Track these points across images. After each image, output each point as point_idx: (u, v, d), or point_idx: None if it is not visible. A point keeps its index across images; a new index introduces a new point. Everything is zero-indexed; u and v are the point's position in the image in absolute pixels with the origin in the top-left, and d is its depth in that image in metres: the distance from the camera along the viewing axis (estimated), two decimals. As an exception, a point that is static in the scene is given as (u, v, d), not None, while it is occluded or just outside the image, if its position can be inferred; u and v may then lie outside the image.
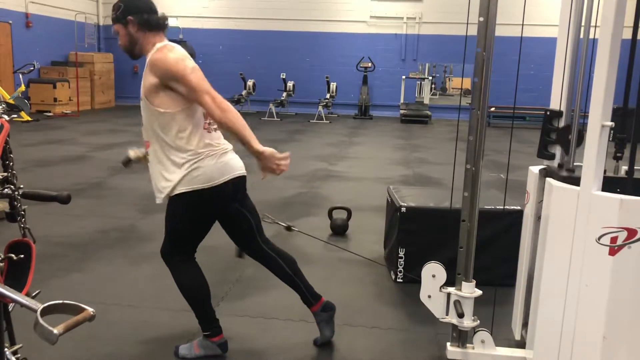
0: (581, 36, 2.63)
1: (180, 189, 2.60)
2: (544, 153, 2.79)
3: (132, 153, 2.94)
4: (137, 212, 5.55)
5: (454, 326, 2.82)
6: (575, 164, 2.64)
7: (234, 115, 2.51)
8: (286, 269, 2.90)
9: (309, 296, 2.94)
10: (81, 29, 15.85)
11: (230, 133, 2.56)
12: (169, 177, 2.62)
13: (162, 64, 2.51)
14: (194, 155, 2.58)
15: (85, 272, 3.98)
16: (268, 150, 2.58)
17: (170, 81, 2.51)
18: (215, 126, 2.70)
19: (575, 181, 2.42)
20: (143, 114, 2.65)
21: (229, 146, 2.75)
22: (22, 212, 1.86)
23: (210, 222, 2.75)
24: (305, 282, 2.94)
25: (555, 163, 2.75)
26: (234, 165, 2.69)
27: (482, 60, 2.58)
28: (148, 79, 2.55)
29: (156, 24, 2.62)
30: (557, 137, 2.72)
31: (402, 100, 16.05)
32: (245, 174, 2.77)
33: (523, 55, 14.51)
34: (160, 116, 2.56)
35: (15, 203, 1.84)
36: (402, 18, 16.41)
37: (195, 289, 2.78)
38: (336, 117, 15.89)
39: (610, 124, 2.28)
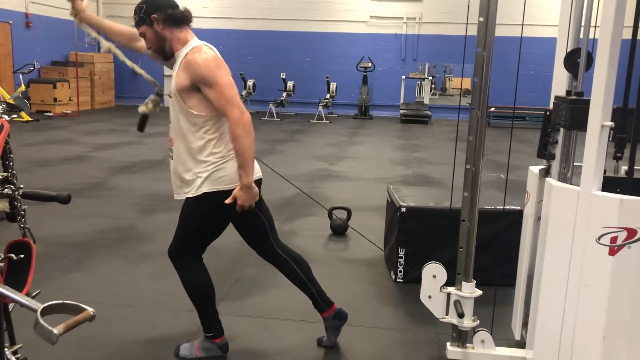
0: (581, 36, 2.63)
1: (204, 189, 2.58)
2: (544, 153, 2.78)
3: (143, 108, 2.85)
4: (137, 212, 5.55)
5: (454, 326, 2.82)
6: (575, 164, 2.64)
7: (251, 141, 2.49)
8: (299, 273, 2.88)
9: (321, 302, 2.92)
10: (81, 29, 15.84)
11: (237, 153, 2.53)
12: (192, 177, 2.59)
13: (197, 67, 2.46)
14: (219, 158, 2.57)
15: (85, 272, 3.98)
16: (255, 188, 2.58)
17: (202, 85, 2.47)
18: None
19: (585, 104, 2.39)
20: (172, 112, 2.61)
21: None
22: (22, 212, 1.87)
23: (226, 223, 2.74)
24: (317, 287, 2.92)
25: (563, 89, 2.69)
26: (255, 168, 2.68)
27: (482, 60, 2.58)
28: (181, 78, 2.50)
29: (182, 18, 2.57)
30: (565, 61, 2.66)
31: (402, 100, 16.05)
32: (262, 177, 2.77)
33: (523, 55, 14.50)
34: (192, 117, 2.53)
35: (15, 203, 1.84)
36: (402, 18, 16.41)
37: (201, 289, 2.77)
38: (336, 117, 15.89)
39: (610, 124, 2.28)
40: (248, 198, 2.56)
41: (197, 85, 2.48)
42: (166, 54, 2.62)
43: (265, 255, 2.90)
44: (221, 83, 2.46)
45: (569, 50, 2.67)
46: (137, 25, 2.59)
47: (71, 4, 2.91)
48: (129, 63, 2.98)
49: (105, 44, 2.96)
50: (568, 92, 2.67)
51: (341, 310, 2.97)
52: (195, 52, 2.51)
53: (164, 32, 2.55)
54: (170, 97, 2.61)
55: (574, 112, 2.49)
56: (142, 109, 2.84)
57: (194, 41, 2.59)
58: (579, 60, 2.59)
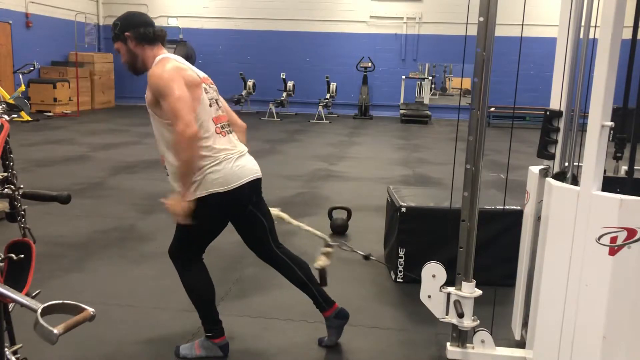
0: (581, 36, 2.63)
1: (197, 194, 2.58)
2: (544, 153, 2.78)
3: (319, 263, 3.04)
4: (137, 212, 5.55)
5: (454, 326, 2.82)
6: (575, 164, 2.64)
7: (188, 156, 2.47)
8: (299, 274, 2.88)
9: (322, 301, 2.92)
10: (81, 29, 15.84)
11: (177, 167, 2.55)
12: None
13: (154, 79, 2.53)
14: (209, 160, 2.57)
15: (85, 272, 3.98)
16: (188, 205, 2.56)
17: (158, 96, 2.52)
18: (229, 129, 2.71)
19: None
20: (153, 126, 2.67)
21: (244, 148, 2.75)
22: (22, 212, 1.87)
23: (224, 224, 2.75)
24: (318, 287, 2.93)
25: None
26: (251, 167, 2.69)
27: (482, 60, 2.58)
28: (148, 93, 2.58)
29: (153, 37, 2.64)
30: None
31: (402, 100, 16.05)
32: (261, 176, 2.77)
33: (523, 55, 14.51)
34: (167, 127, 2.56)
35: (15, 203, 1.84)
36: (402, 18, 16.41)
37: (201, 289, 2.78)
38: (336, 117, 15.89)
39: (610, 124, 2.28)
40: (175, 208, 2.57)
41: (157, 97, 2.53)
42: (137, 70, 2.70)
43: (264, 256, 2.90)
44: (170, 94, 2.47)
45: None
46: (113, 40, 2.70)
47: None
48: (295, 223, 3.14)
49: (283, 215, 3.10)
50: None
51: (343, 310, 2.97)
52: (156, 64, 2.58)
53: (136, 49, 2.64)
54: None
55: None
56: (318, 264, 2.99)
57: (161, 55, 2.64)
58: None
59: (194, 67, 2.71)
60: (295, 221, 3.15)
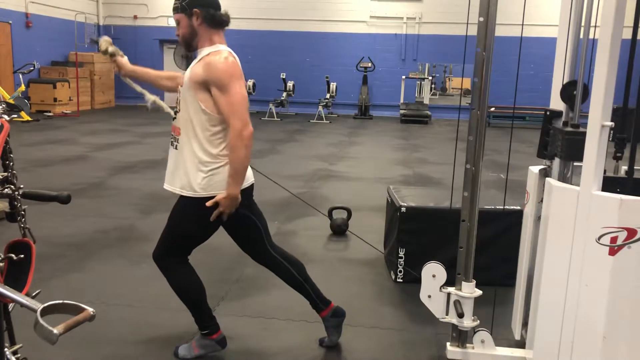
0: (581, 36, 2.63)
1: (200, 193, 2.56)
2: (544, 153, 2.78)
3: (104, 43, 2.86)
4: (137, 212, 5.55)
5: (454, 326, 2.82)
6: (575, 164, 2.64)
7: (246, 155, 2.50)
8: (295, 275, 2.87)
9: (319, 302, 2.92)
10: (81, 29, 15.84)
11: (230, 162, 2.53)
12: (192, 176, 2.57)
13: (216, 69, 2.47)
14: (217, 159, 2.56)
15: (85, 272, 3.98)
16: (239, 198, 2.56)
17: (215, 87, 2.48)
18: None
19: (581, 136, 2.41)
20: (182, 103, 2.59)
21: None
22: (22, 212, 1.86)
23: (217, 227, 2.72)
24: (314, 288, 2.92)
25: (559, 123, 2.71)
26: (248, 175, 2.68)
27: (482, 60, 2.58)
28: (197, 72, 2.51)
29: (219, 22, 2.59)
30: (562, 92, 2.67)
31: (402, 100, 16.05)
32: (254, 182, 2.77)
33: (523, 55, 14.51)
34: (201, 113, 2.53)
35: (15, 203, 1.84)
36: (402, 18, 16.41)
37: (190, 290, 2.76)
38: (336, 117, 15.89)
39: (610, 124, 2.28)
40: (229, 206, 2.57)
41: (209, 86, 2.49)
42: (191, 47, 2.63)
43: (259, 258, 2.89)
44: (234, 92, 2.47)
45: (565, 82, 2.67)
46: (175, 10, 2.58)
47: (114, 62, 2.92)
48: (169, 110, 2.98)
49: (150, 97, 2.98)
50: (565, 123, 2.68)
51: (338, 308, 2.96)
52: (219, 54, 2.52)
53: (199, 27, 2.56)
54: (181, 86, 2.60)
55: (570, 143, 2.51)
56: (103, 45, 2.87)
57: (221, 45, 2.59)
58: (575, 93, 2.60)
59: None
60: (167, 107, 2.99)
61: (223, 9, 2.62)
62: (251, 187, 2.74)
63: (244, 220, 2.74)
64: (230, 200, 2.55)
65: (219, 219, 2.62)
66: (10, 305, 1.78)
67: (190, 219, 2.65)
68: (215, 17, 2.56)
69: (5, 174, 1.83)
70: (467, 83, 17.36)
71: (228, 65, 2.50)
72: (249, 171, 2.70)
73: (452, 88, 23.33)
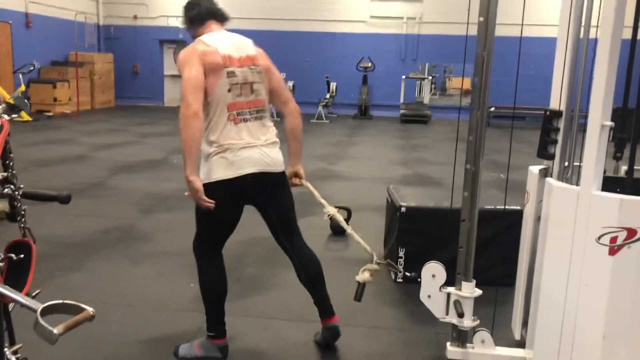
0: (581, 36, 2.63)
1: (205, 180, 2.60)
2: (544, 153, 2.78)
3: (361, 277, 2.97)
4: (137, 212, 5.55)
5: (454, 326, 2.82)
6: (575, 164, 2.64)
7: (187, 136, 2.47)
8: (302, 276, 2.92)
9: (320, 310, 2.94)
10: (81, 29, 15.84)
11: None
12: (202, 165, 2.65)
13: (177, 61, 2.62)
14: (217, 147, 2.59)
15: (85, 272, 3.98)
16: (196, 182, 2.52)
17: None
18: (250, 116, 2.71)
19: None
20: None
21: (257, 141, 2.69)
22: (22, 212, 1.86)
23: (234, 214, 2.72)
24: (320, 295, 2.93)
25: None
26: (257, 160, 2.65)
27: (482, 60, 2.58)
28: None
29: (199, 17, 2.77)
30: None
31: (402, 100, 16.04)
32: (268, 171, 2.71)
33: (523, 55, 14.49)
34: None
35: (15, 203, 1.84)
36: (402, 18, 16.41)
37: (213, 286, 2.78)
38: (336, 117, 15.88)
39: (610, 124, 2.28)
40: (192, 194, 2.56)
41: None
42: None
43: (282, 248, 2.96)
44: (183, 77, 2.55)
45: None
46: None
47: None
48: (348, 229, 3.09)
49: (330, 210, 3.15)
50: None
51: (336, 328, 2.95)
52: (189, 46, 2.66)
53: (195, 32, 2.77)
54: None
55: None
56: (360, 277, 2.92)
57: (203, 36, 2.69)
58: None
59: (239, 45, 2.70)
60: (349, 229, 3.08)
61: (220, 6, 2.79)
62: (260, 176, 2.66)
63: (263, 212, 2.86)
64: (188, 184, 2.54)
65: (219, 208, 2.58)
66: (10, 305, 1.78)
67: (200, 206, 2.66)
68: (194, 17, 2.77)
69: (6, 173, 1.83)
70: (467, 83, 17.34)
71: (185, 53, 2.61)
72: (262, 158, 2.67)
73: (452, 88, 23.31)
